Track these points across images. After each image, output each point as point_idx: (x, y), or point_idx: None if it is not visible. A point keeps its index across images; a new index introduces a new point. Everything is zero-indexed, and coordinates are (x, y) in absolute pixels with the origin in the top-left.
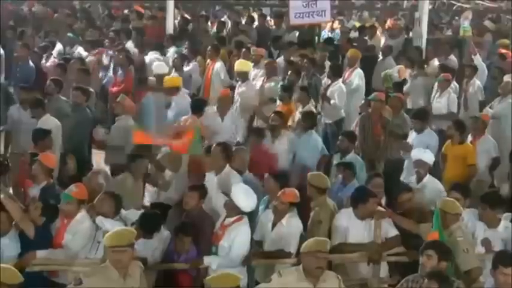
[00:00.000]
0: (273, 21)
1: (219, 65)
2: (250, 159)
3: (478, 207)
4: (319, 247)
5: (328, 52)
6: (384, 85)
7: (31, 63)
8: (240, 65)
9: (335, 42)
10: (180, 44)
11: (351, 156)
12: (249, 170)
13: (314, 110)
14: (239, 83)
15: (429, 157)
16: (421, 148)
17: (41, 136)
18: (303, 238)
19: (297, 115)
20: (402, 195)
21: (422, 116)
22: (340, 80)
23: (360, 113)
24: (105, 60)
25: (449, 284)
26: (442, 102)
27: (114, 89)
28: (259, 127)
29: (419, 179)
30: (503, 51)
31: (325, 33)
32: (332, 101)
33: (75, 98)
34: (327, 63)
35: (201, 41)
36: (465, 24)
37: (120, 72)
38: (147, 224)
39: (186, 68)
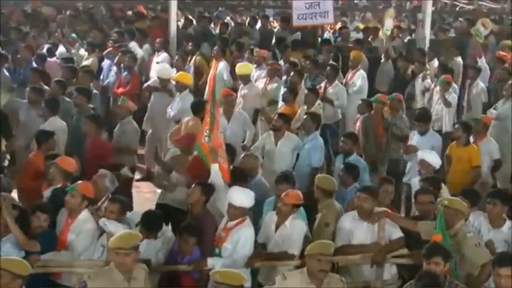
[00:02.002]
0: (277, 23)
1: (222, 65)
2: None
3: (487, 205)
4: (322, 250)
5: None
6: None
7: (34, 65)
8: (241, 68)
9: (336, 44)
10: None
11: (354, 158)
12: (85, 161)
13: (320, 112)
14: (241, 85)
15: (436, 160)
16: (427, 149)
17: (45, 138)
18: (308, 240)
19: (302, 116)
20: (422, 197)
21: (425, 118)
22: (337, 81)
23: (359, 113)
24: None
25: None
26: (443, 104)
27: (120, 90)
28: (96, 114)
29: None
30: (502, 53)
31: (327, 35)
32: (336, 103)
33: (76, 100)
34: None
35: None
36: (481, 30)
37: (125, 73)
38: (149, 223)
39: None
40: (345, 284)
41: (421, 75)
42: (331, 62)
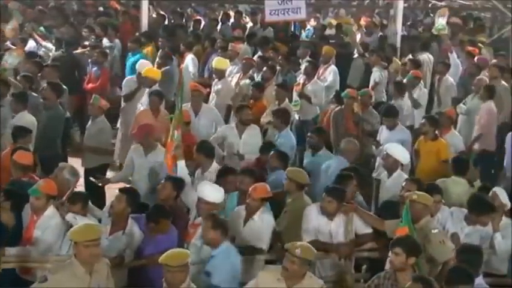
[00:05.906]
0: (248, 18)
1: (189, 58)
2: None
3: (468, 213)
4: (298, 253)
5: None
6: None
7: None
8: (217, 62)
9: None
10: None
11: (323, 152)
12: None
13: (292, 108)
14: (215, 80)
15: (403, 154)
16: (395, 143)
17: (22, 134)
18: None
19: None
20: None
21: (392, 113)
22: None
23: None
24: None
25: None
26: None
27: (89, 86)
28: None
29: (390, 173)
30: (470, 48)
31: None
32: (313, 100)
33: (45, 94)
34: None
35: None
36: (440, 21)
37: (94, 68)
38: (132, 196)
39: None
40: (323, 285)
41: (373, 69)
42: (308, 58)
